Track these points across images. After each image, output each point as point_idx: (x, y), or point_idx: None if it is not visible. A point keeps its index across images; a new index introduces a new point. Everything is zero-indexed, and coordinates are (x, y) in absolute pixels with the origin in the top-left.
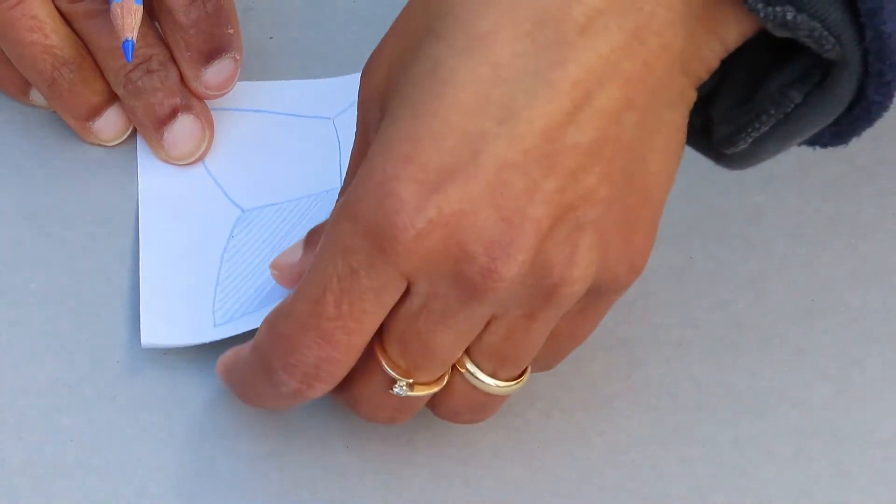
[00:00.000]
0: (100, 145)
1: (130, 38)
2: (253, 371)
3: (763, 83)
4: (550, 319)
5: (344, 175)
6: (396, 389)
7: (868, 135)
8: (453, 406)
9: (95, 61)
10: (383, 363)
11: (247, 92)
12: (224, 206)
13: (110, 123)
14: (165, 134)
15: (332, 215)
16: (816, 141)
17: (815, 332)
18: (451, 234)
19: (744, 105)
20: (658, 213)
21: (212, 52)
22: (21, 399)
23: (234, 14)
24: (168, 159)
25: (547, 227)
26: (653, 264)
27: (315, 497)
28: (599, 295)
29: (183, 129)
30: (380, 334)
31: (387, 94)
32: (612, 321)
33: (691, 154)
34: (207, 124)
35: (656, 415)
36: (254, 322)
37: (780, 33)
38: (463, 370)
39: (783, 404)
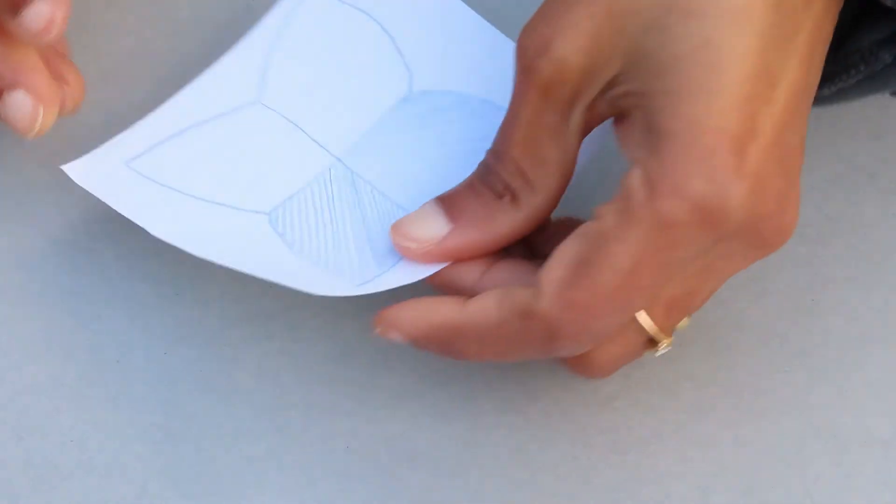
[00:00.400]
0: None
1: None
2: (516, 338)
3: (853, 36)
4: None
5: (352, 145)
6: (662, 350)
7: (868, 134)
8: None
9: None
10: (648, 328)
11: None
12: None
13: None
14: (2, 110)
15: (633, 187)
16: None
17: (815, 332)
18: (757, 198)
19: (834, 53)
20: None
21: (14, 8)
22: (21, 399)
23: None
24: (12, 129)
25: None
26: None
27: (315, 497)
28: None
29: (13, 103)
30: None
31: (608, 73)
32: None
33: None
34: (40, 99)
35: (656, 415)
36: (151, 193)
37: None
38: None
39: (783, 404)
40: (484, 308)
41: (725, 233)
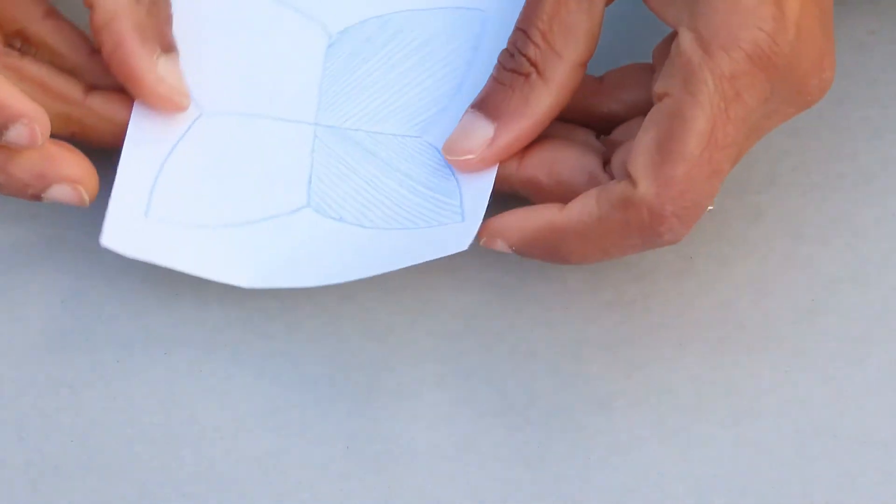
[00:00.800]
0: None
1: None
2: (620, 231)
3: None
4: None
5: (319, 107)
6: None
7: (868, 134)
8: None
9: None
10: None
11: None
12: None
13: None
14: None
15: (687, 52)
16: None
17: (815, 332)
18: (802, 45)
19: None
20: None
21: None
22: (21, 399)
23: (9, 96)
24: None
25: None
26: (653, 264)
27: (315, 497)
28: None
29: (56, 197)
30: None
31: None
32: (612, 321)
33: None
34: (77, 181)
35: (656, 415)
36: (183, 241)
37: None
38: None
39: (783, 404)
40: (585, 206)
41: (779, 77)
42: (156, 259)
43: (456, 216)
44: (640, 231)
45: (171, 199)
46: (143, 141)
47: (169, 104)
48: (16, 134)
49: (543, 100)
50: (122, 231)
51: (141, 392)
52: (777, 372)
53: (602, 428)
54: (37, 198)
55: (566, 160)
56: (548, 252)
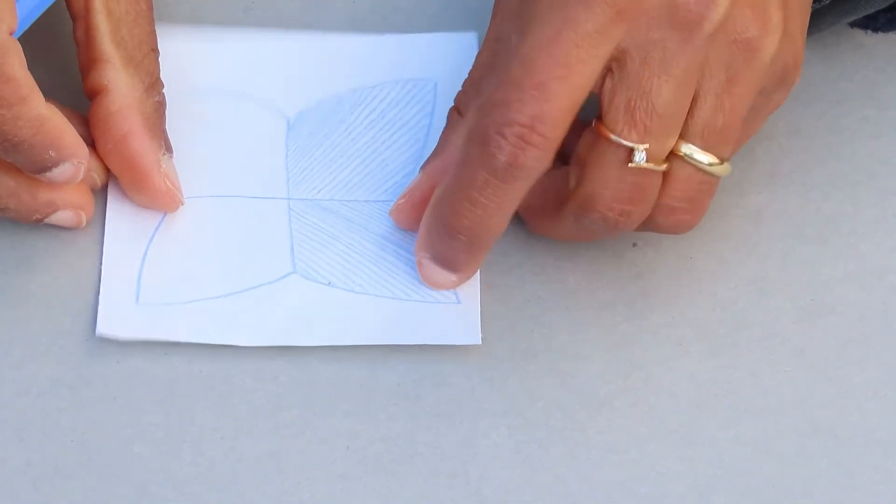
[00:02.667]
0: None
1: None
2: (467, 158)
3: None
4: (751, 84)
5: (289, 183)
6: (637, 157)
7: (868, 134)
8: (673, 194)
9: None
10: (614, 137)
11: (206, 70)
12: None
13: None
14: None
15: None
16: (870, 25)
17: (815, 333)
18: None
19: None
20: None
21: (41, 170)
22: (21, 399)
23: (65, 135)
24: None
25: None
26: (653, 264)
27: (315, 497)
28: (782, 80)
29: (57, 221)
30: (601, 120)
31: None
32: (612, 321)
33: None
34: (79, 207)
35: (656, 415)
36: (176, 317)
37: None
38: (681, 154)
39: (783, 405)
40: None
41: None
42: (153, 337)
43: (450, 293)
44: (476, 157)
45: (158, 284)
46: (122, 231)
47: (170, 200)
48: (61, 172)
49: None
50: (116, 320)
51: (141, 392)
52: (777, 372)
53: (602, 428)
54: (39, 221)
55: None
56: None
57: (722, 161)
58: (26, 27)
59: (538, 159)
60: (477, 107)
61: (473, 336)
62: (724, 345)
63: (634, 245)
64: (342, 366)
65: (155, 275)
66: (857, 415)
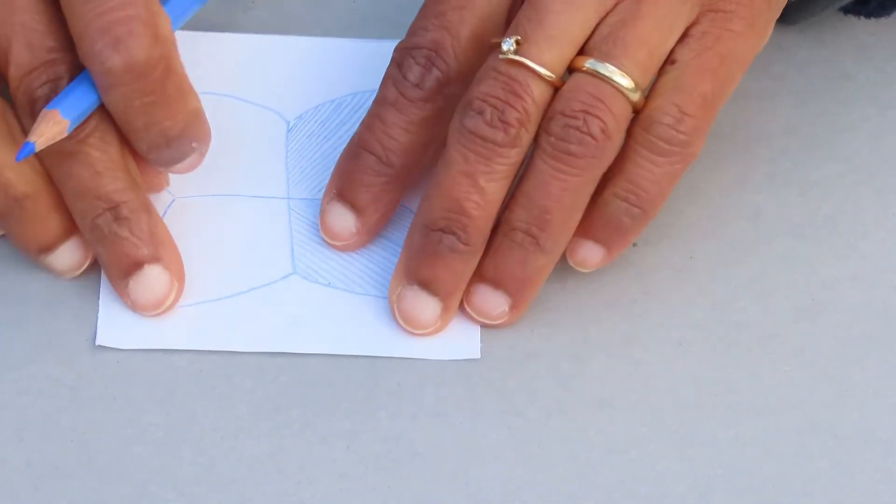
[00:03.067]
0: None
1: (31, 142)
2: (384, 79)
3: None
4: (658, 1)
5: (289, 183)
6: (504, 46)
7: (868, 134)
8: (563, 99)
9: (56, 198)
10: (493, 40)
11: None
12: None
13: (64, 258)
14: (130, 283)
15: None
16: (862, 11)
17: (815, 332)
18: None
19: None
20: None
21: (172, 162)
22: (21, 399)
23: (188, 114)
24: (133, 308)
25: None
26: (653, 264)
27: (315, 497)
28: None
29: (148, 281)
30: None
31: None
32: (612, 321)
33: None
34: (176, 276)
35: (656, 415)
36: (176, 321)
37: None
38: (581, 67)
39: (783, 404)
40: None
41: None
42: (152, 345)
43: None
44: (390, 83)
45: None
46: None
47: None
48: (190, 162)
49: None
50: (116, 328)
51: (141, 392)
52: (777, 372)
53: (602, 428)
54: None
55: None
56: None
57: (630, 77)
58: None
59: (440, 81)
60: None
61: (473, 350)
62: (724, 345)
63: (634, 245)
64: (342, 366)
65: None
66: (857, 415)
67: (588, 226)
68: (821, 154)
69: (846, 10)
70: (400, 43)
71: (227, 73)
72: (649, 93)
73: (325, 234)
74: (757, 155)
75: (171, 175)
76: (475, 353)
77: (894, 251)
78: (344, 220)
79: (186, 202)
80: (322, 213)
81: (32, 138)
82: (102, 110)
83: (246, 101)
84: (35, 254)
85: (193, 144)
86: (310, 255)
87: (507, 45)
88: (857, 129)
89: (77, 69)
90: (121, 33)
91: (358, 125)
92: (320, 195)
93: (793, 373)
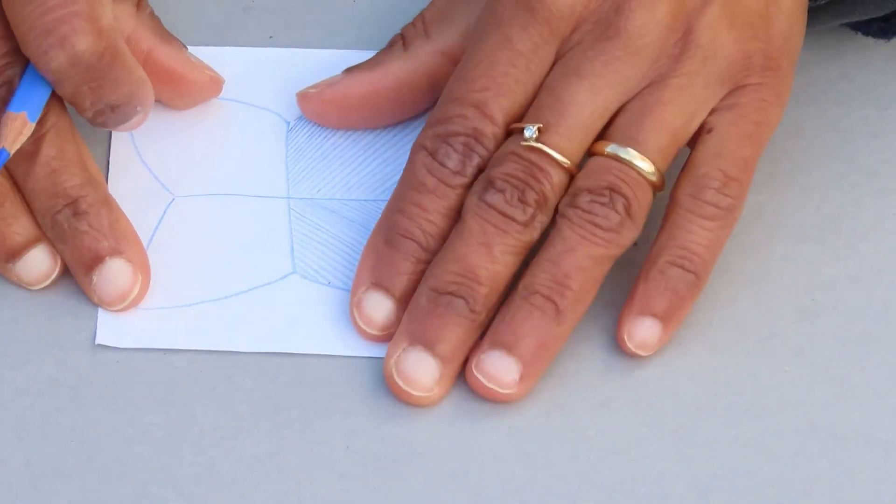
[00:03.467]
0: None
1: (3, 148)
2: (414, 165)
3: None
4: (683, 88)
5: (289, 182)
6: (527, 132)
7: (868, 134)
8: (584, 179)
9: (21, 202)
10: (514, 125)
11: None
12: (154, 189)
13: (32, 266)
14: (94, 278)
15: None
16: (863, 28)
17: (815, 332)
18: None
19: None
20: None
21: (115, 125)
22: (21, 399)
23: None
24: (99, 304)
25: None
26: None
27: (315, 497)
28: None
29: (111, 274)
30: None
31: None
32: (612, 321)
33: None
34: (140, 268)
35: (656, 415)
36: (176, 321)
37: None
38: (603, 152)
39: (783, 404)
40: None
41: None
42: (153, 344)
43: None
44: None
45: (157, 286)
46: None
47: (216, 86)
48: (136, 121)
49: (397, 62)
50: (116, 326)
51: (141, 392)
52: (777, 372)
53: (602, 428)
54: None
55: None
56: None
57: (651, 161)
58: None
59: (480, 167)
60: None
61: None
62: (724, 345)
63: (635, 245)
64: (342, 366)
65: (154, 277)
66: (857, 415)
67: (644, 300)
68: (821, 154)
69: (848, 26)
70: (431, 128)
71: (229, 82)
72: (688, 162)
73: (364, 324)
74: None
75: (171, 175)
76: None
77: (894, 251)
78: (384, 308)
79: (186, 202)
80: (358, 304)
81: (5, 144)
82: (56, 106)
83: (247, 103)
84: (2, 262)
85: (137, 108)
86: (310, 254)
87: (530, 132)
88: (857, 129)
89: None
90: (65, 31)
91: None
92: (320, 194)
93: (793, 373)
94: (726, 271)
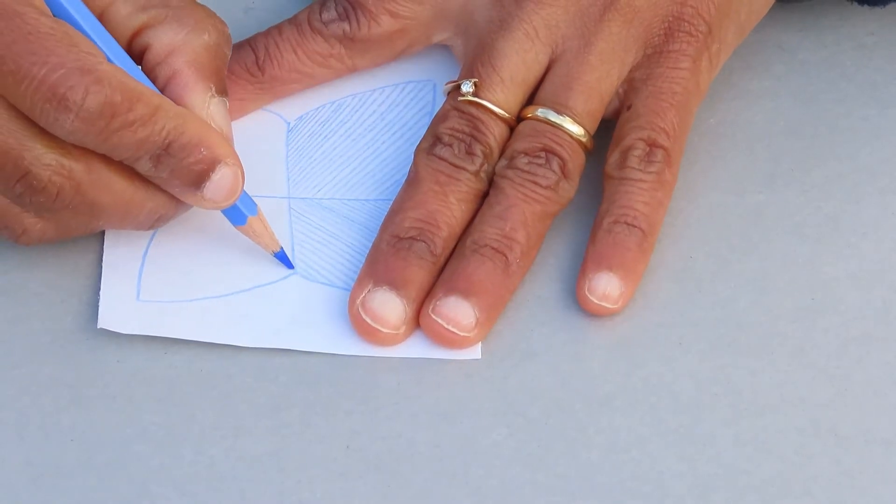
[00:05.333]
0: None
1: (280, 249)
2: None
3: None
4: (605, 52)
5: (289, 182)
6: (463, 87)
7: (868, 134)
8: (520, 138)
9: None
10: (452, 84)
11: None
12: None
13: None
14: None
15: None
16: None
17: (816, 332)
18: None
19: None
20: None
21: (199, 179)
22: (21, 398)
23: (210, 131)
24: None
25: None
26: (653, 264)
27: (315, 497)
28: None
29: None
30: None
31: None
32: (612, 321)
33: (690, 152)
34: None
35: (656, 414)
36: (176, 315)
37: None
38: (536, 116)
39: (783, 404)
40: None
41: None
42: (154, 333)
43: None
44: None
45: (159, 281)
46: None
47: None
48: (221, 178)
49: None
50: (117, 314)
51: (141, 392)
52: (777, 372)
53: (602, 427)
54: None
55: None
56: None
57: (580, 125)
58: None
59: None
60: None
61: (473, 350)
62: (724, 345)
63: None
64: (342, 365)
65: (156, 272)
66: (857, 415)
67: (596, 258)
68: (821, 154)
69: None
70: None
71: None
72: (613, 137)
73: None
74: (757, 155)
75: None
76: (475, 353)
77: (894, 251)
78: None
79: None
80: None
81: (278, 247)
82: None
83: None
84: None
85: (203, 150)
86: (310, 254)
87: (467, 87)
88: (857, 129)
89: None
90: (64, 92)
91: (357, 125)
92: (320, 194)
93: (793, 373)
94: (726, 271)
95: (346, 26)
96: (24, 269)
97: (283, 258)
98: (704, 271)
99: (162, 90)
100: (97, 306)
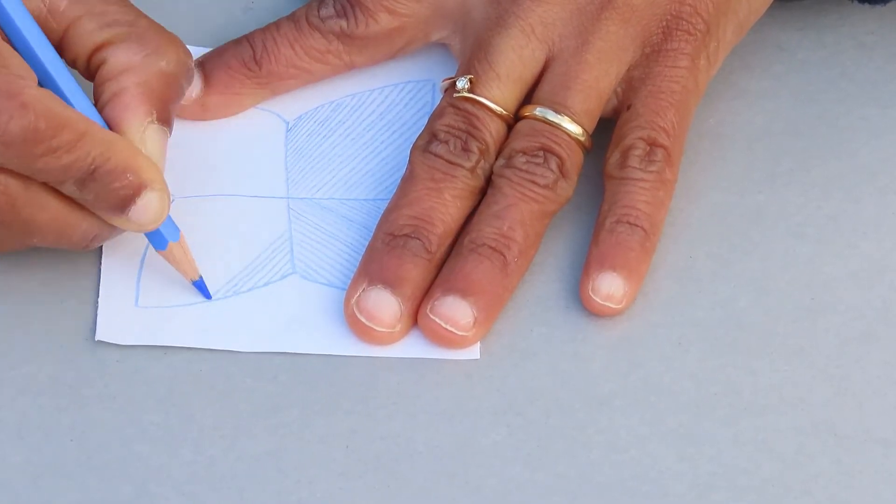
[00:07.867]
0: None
1: (199, 278)
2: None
3: None
4: (603, 51)
5: (288, 182)
6: (459, 84)
7: (868, 133)
8: (518, 137)
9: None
10: (449, 80)
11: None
12: None
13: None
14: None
15: None
16: None
17: (815, 332)
18: None
19: None
20: None
21: (124, 204)
22: (21, 398)
23: (138, 157)
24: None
25: None
26: (653, 264)
27: (315, 496)
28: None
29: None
30: None
31: None
32: (612, 321)
33: (690, 152)
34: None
35: (656, 414)
36: (176, 320)
37: None
38: (528, 114)
39: (783, 404)
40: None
41: None
42: (153, 342)
43: None
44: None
45: (158, 286)
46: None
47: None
48: (145, 203)
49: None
50: (116, 324)
51: (141, 392)
52: (777, 372)
53: (602, 427)
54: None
55: None
56: None
57: (579, 124)
58: None
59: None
60: None
61: (472, 350)
62: (724, 345)
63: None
64: (341, 365)
65: (154, 277)
66: (857, 414)
67: (599, 258)
68: (821, 154)
69: None
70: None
71: None
72: (612, 137)
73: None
74: (757, 155)
75: (170, 176)
76: (474, 352)
77: (894, 251)
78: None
79: (186, 202)
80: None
81: (197, 275)
82: None
83: None
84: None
85: (129, 176)
86: (309, 254)
87: (462, 83)
88: (857, 129)
89: None
90: None
91: (356, 125)
92: (319, 194)
93: (793, 372)
94: (726, 271)
95: (344, 23)
96: (23, 270)
97: (201, 287)
98: (704, 271)
99: (103, 107)
100: (96, 307)
